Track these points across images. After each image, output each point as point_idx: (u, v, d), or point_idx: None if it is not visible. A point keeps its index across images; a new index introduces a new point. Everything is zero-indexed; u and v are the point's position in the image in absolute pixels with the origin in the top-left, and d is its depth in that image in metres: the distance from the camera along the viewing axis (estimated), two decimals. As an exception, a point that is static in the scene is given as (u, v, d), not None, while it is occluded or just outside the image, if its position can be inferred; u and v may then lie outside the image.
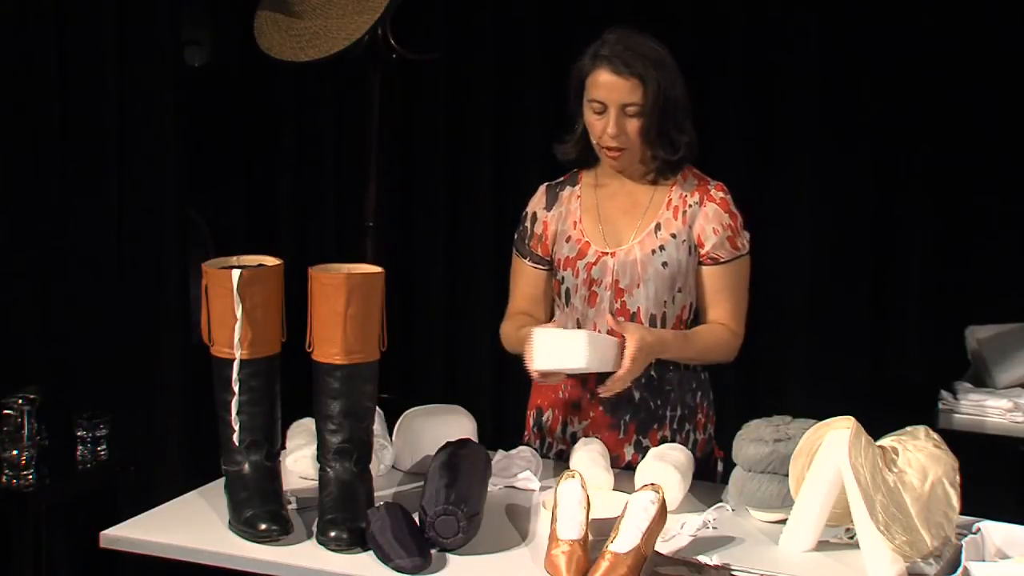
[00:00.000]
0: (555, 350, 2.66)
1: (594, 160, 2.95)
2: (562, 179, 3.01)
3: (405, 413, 2.90)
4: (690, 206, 2.88)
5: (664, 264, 2.83)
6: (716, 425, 3.00)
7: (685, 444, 2.88)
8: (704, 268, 2.88)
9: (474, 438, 2.81)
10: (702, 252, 2.87)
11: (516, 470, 2.77)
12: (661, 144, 2.84)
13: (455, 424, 2.85)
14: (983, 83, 4.09)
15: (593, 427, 2.91)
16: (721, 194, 2.90)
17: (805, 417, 2.61)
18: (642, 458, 2.77)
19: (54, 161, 4.03)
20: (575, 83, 2.86)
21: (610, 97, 2.79)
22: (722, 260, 2.87)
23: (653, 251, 2.84)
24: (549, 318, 2.98)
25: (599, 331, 2.82)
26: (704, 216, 2.87)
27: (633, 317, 2.85)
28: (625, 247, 2.86)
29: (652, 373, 2.87)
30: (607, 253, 2.87)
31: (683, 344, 2.84)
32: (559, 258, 2.93)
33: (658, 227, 2.87)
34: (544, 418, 2.99)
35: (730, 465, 2.68)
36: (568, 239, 2.92)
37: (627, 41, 2.80)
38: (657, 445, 2.86)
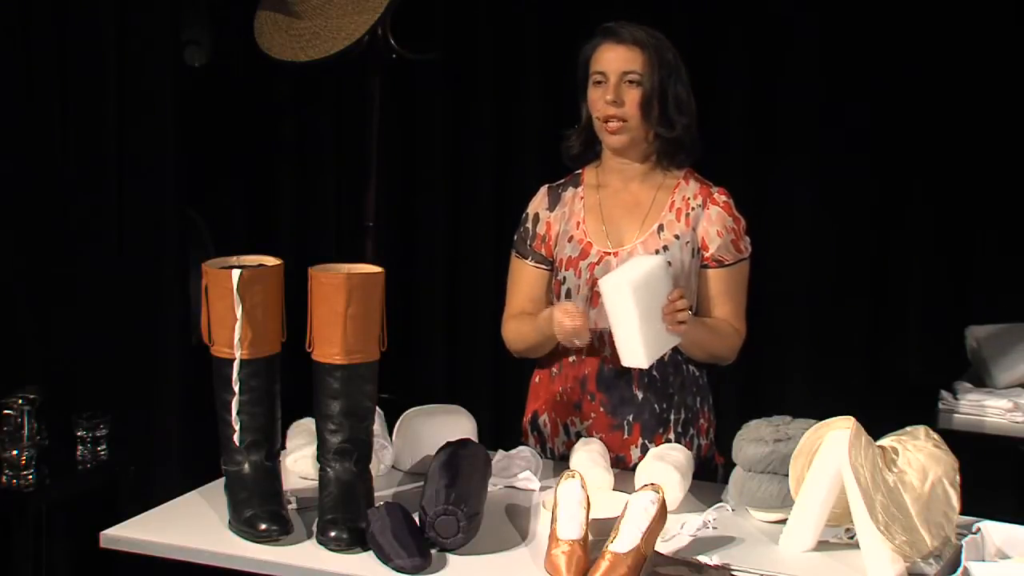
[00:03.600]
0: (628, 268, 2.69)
1: (597, 155, 2.95)
2: (563, 180, 3.01)
3: (405, 413, 2.89)
4: (693, 208, 2.89)
5: (668, 264, 2.84)
6: (716, 430, 3.00)
7: (689, 449, 2.87)
8: (708, 271, 2.89)
9: (474, 438, 2.81)
10: (706, 255, 2.88)
11: (516, 470, 2.77)
12: (660, 121, 2.85)
13: (455, 424, 2.85)
14: (983, 83, 4.09)
15: (596, 427, 2.91)
16: (724, 198, 2.92)
17: (805, 417, 2.61)
18: None
19: (54, 161, 4.02)
20: (580, 70, 2.89)
21: (611, 66, 2.84)
22: (727, 263, 2.89)
23: (657, 251, 2.84)
24: None
25: (598, 332, 2.84)
26: (708, 219, 2.88)
27: None
28: (628, 247, 2.87)
29: (655, 373, 2.87)
30: (610, 253, 2.87)
31: (695, 322, 2.84)
32: (561, 258, 2.93)
33: (661, 228, 2.87)
34: (541, 421, 2.98)
35: (730, 469, 2.69)
36: (571, 239, 2.92)
37: (631, 23, 2.87)
38: None
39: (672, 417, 2.90)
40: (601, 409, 2.90)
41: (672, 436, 2.89)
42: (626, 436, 2.89)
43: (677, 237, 2.86)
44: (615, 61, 2.84)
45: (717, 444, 2.99)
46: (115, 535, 2.48)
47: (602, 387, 2.89)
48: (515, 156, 4.47)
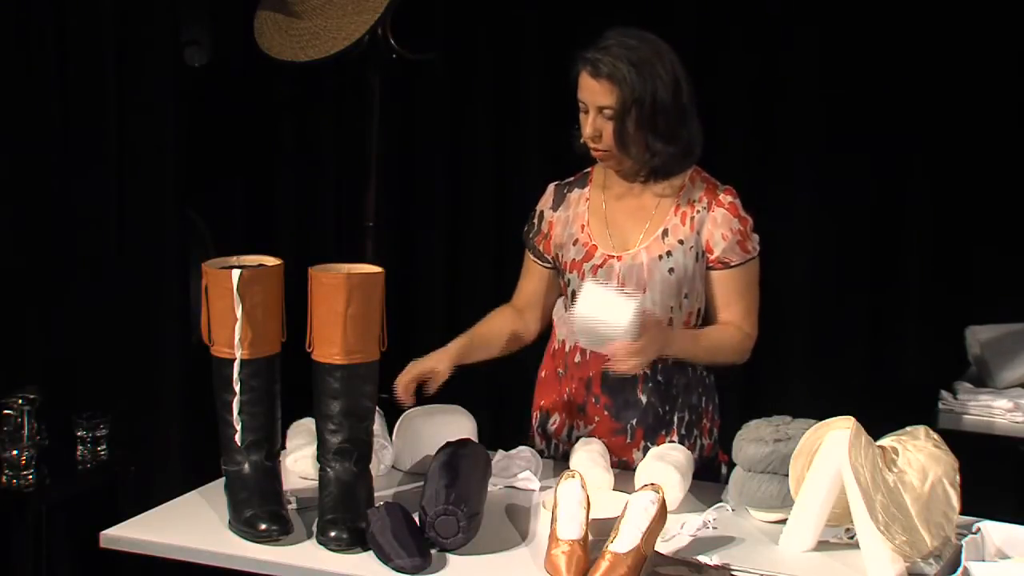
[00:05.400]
0: (603, 308, 2.68)
1: None
2: (571, 179, 3.00)
3: (405, 413, 2.89)
4: (698, 211, 2.85)
5: (671, 270, 2.82)
6: (720, 430, 2.99)
7: (692, 450, 2.86)
8: (714, 273, 2.87)
9: (474, 438, 2.81)
10: (711, 257, 2.85)
11: (516, 470, 2.77)
12: (638, 149, 2.79)
13: (455, 424, 2.84)
14: (983, 82, 4.09)
15: (599, 431, 2.90)
16: (730, 198, 2.87)
17: (805, 417, 2.61)
18: None
19: (54, 161, 4.02)
20: (573, 88, 2.86)
21: (589, 98, 2.79)
22: (733, 264, 2.86)
23: (660, 256, 2.83)
24: (546, 318, 2.99)
25: None
26: (712, 221, 2.85)
27: None
28: (632, 251, 2.85)
29: (659, 378, 2.87)
30: (613, 256, 2.86)
31: (691, 342, 2.84)
32: (566, 260, 2.92)
33: (665, 232, 2.85)
34: (550, 422, 2.98)
35: (732, 467, 2.69)
36: (575, 242, 2.91)
37: (617, 41, 2.77)
38: None
39: (676, 418, 2.90)
40: (605, 412, 2.89)
41: (675, 438, 2.89)
42: (628, 440, 2.89)
43: (681, 242, 2.84)
44: (591, 94, 2.78)
45: (721, 447, 2.98)
46: (115, 535, 2.48)
47: (606, 390, 2.88)
48: (515, 156, 4.46)
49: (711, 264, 2.87)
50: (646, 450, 2.86)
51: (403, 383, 2.79)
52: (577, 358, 2.91)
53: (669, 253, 2.84)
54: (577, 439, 2.91)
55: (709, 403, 2.95)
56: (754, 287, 2.91)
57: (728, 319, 2.89)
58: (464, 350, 2.92)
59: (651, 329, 2.68)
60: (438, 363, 2.84)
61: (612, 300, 2.67)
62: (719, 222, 2.85)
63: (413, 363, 2.83)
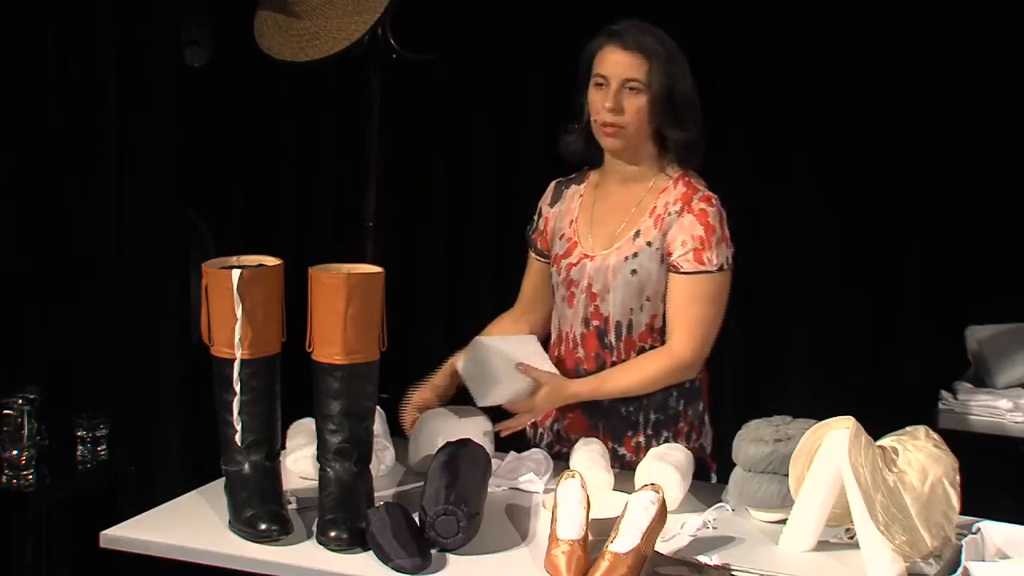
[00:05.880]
0: (477, 370, 2.80)
1: (598, 154, 2.92)
2: (572, 176, 3.01)
3: (424, 413, 2.88)
4: (670, 214, 2.82)
5: (633, 272, 2.81)
6: (713, 436, 2.96)
7: None
8: (669, 276, 2.82)
9: (491, 440, 2.81)
10: (669, 260, 2.82)
11: (524, 470, 2.77)
12: (670, 124, 2.80)
13: (474, 425, 2.83)
14: (984, 82, 4.09)
15: (574, 427, 2.91)
16: (703, 205, 2.80)
17: (805, 417, 2.61)
18: (619, 464, 2.81)
19: (54, 161, 4.02)
20: (583, 67, 2.84)
21: (614, 71, 2.78)
22: (681, 271, 2.79)
23: (626, 258, 2.82)
24: (549, 313, 3.00)
25: (573, 334, 2.87)
26: (679, 226, 2.80)
27: (606, 322, 2.84)
28: (604, 252, 2.85)
29: None
30: (587, 256, 2.86)
31: (597, 391, 2.83)
32: (552, 255, 2.94)
33: (637, 234, 2.84)
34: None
35: (722, 475, 2.68)
36: (562, 236, 2.93)
37: (637, 26, 2.81)
38: (633, 452, 2.84)
39: (642, 419, 2.88)
40: (577, 409, 2.90)
41: (642, 439, 2.87)
42: (601, 438, 2.88)
43: (649, 244, 2.82)
44: (617, 66, 2.78)
45: (717, 446, 2.97)
46: (115, 535, 2.48)
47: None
48: (515, 156, 4.47)
49: (669, 268, 2.82)
50: (613, 450, 2.86)
51: (409, 421, 2.90)
52: (562, 350, 2.92)
53: (635, 255, 2.82)
54: (558, 431, 2.93)
55: (688, 407, 2.90)
56: (706, 306, 2.79)
57: (668, 334, 2.83)
58: (451, 367, 2.98)
59: (538, 395, 2.76)
60: (430, 390, 2.97)
61: (486, 374, 2.77)
62: (684, 227, 2.80)
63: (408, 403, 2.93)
